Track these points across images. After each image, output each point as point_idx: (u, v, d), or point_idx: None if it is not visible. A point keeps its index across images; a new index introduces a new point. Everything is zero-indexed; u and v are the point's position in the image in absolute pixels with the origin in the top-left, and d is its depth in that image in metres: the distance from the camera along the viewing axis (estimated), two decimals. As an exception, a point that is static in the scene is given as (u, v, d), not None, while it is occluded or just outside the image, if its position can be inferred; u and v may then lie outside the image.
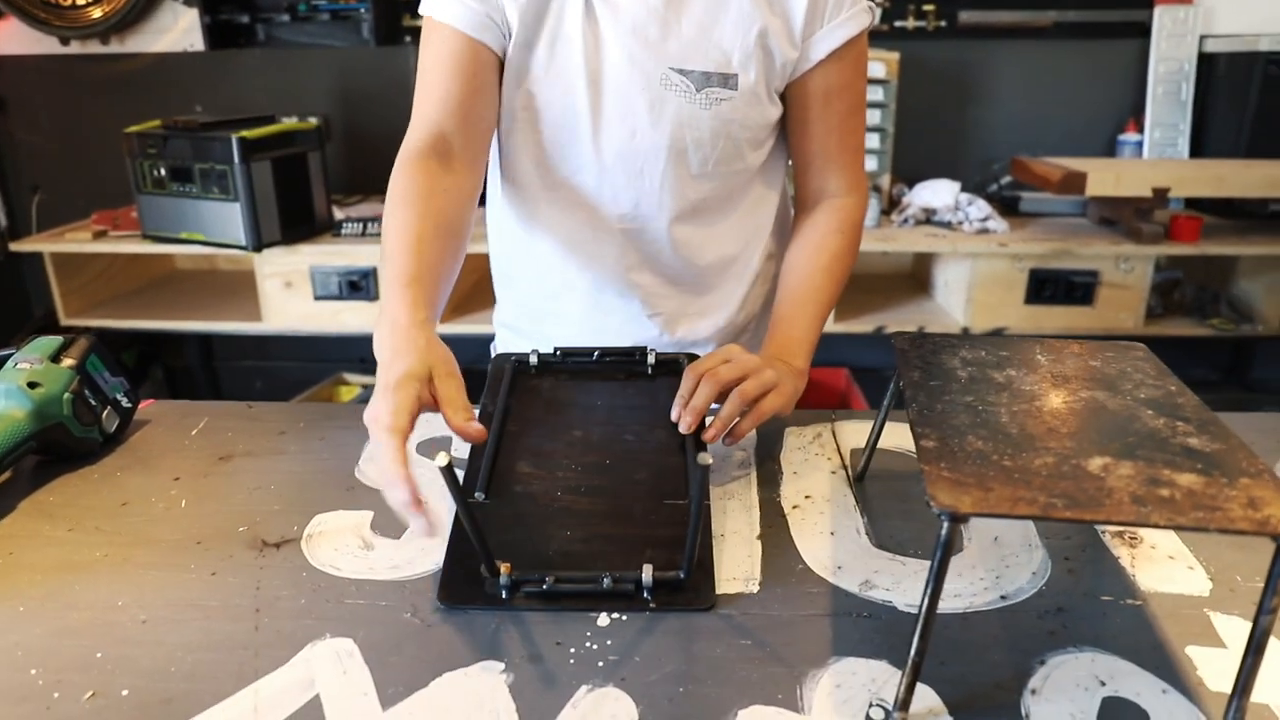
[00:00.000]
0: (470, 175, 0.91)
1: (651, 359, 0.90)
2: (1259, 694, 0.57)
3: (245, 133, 1.98)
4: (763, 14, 0.90)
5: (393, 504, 0.63)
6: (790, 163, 1.04)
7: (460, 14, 0.88)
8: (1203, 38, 2.41)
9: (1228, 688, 0.56)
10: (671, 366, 0.90)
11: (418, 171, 0.86)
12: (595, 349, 0.92)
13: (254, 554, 0.74)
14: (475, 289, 2.49)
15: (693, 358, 0.89)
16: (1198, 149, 2.48)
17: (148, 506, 0.81)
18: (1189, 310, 2.29)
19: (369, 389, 2.63)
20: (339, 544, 0.75)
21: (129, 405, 0.96)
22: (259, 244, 2.07)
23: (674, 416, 0.80)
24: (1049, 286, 2.14)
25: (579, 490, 0.76)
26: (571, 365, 0.92)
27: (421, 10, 0.94)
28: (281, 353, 2.91)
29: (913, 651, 0.53)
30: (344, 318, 2.22)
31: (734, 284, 1.06)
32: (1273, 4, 2.38)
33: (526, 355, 0.91)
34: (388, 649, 0.62)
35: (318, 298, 2.19)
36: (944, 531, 0.51)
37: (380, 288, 0.82)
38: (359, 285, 2.16)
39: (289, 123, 2.15)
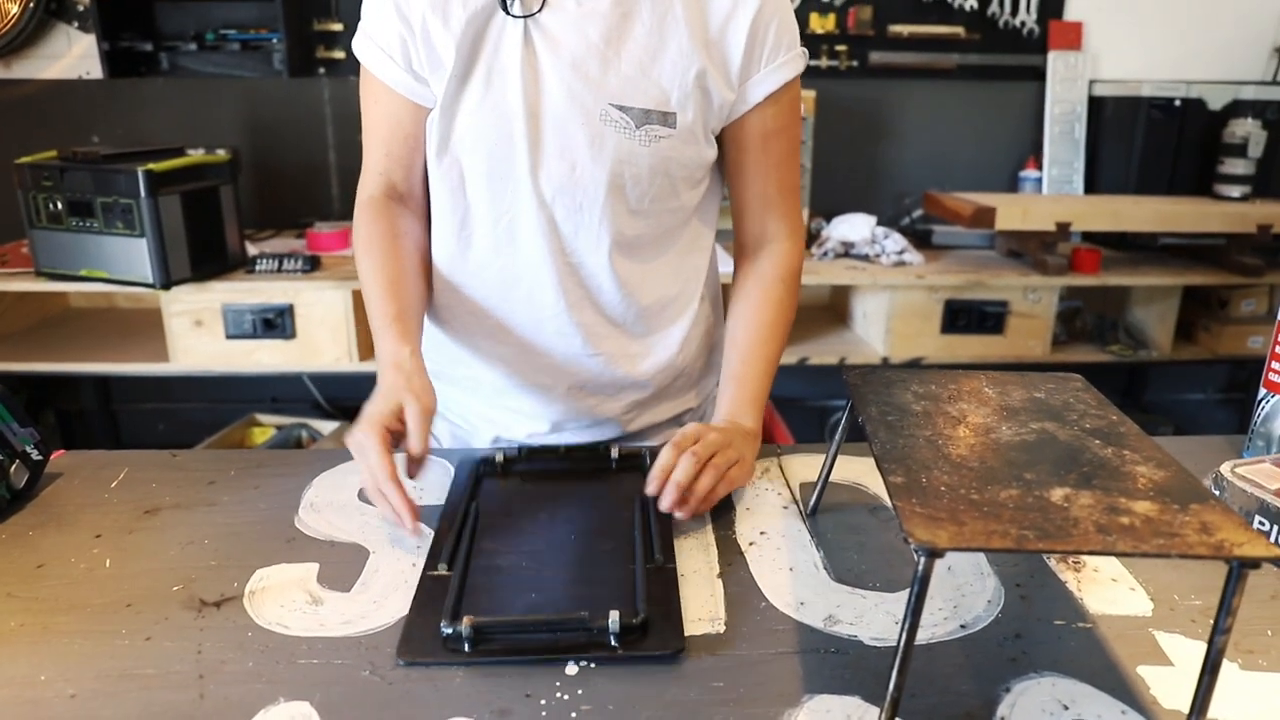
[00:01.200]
0: (423, 216, 1.01)
1: (615, 453, 0.90)
2: (1213, 710, 0.59)
3: (152, 165, 1.89)
4: (701, 55, 0.90)
5: (390, 501, 0.77)
6: (727, 205, 1.04)
7: (395, 77, 0.92)
8: (1092, 82, 2.56)
9: (1180, 705, 0.59)
10: (634, 461, 0.89)
11: (379, 216, 0.95)
12: (561, 445, 0.92)
13: (192, 615, 0.69)
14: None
15: (654, 453, 0.88)
16: (1091, 185, 2.63)
17: (67, 568, 0.76)
18: (1090, 337, 2.42)
19: (283, 429, 2.54)
20: (285, 600, 0.71)
21: (40, 458, 0.89)
22: (168, 281, 1.97)
23: (652, 490, 0.80)
24: (963, 316, 2.23)
25: (544, 560, 0.75)
26: (537, 463, 0.91)
27: (356, 52, 0.94)
28: (186, 394, 2.78)
29: (891, 687, 0.53)
30: (258, 356, 2.14)
31: (673, 325, 1.05)
32: (1151, 53, 2.57)
33: (492, 454, 0.91)
34: (348, 711, 0.59)
35: (230, 336, 2.10)
36: (920, 567, 0.51)
37: (371, 327, 0.91)
38: (274, 323, 2.08)
39: (198, 155, 2.07)
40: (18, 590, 0.72)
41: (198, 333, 2.11)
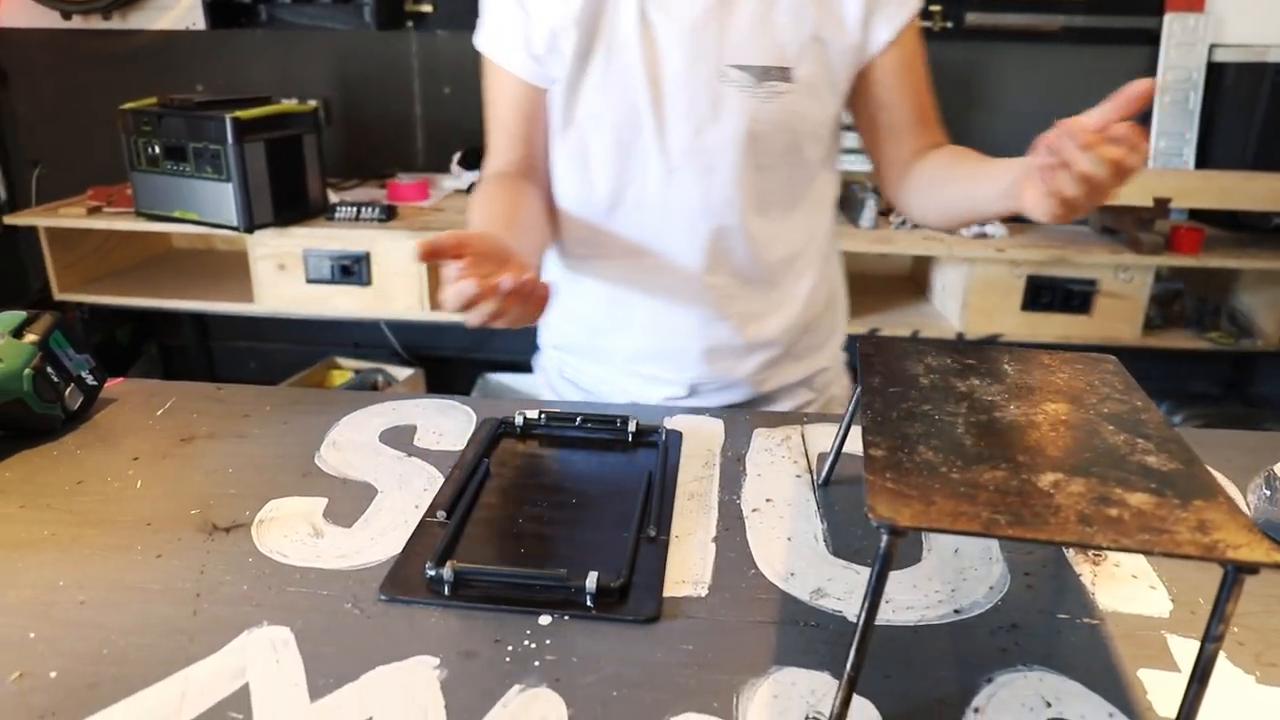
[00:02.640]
0: (547, 191, 1.02)
1: (633, 426, 0.89)
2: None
3: (239, 113, 1.96)
4: (814, 7, 0.92)
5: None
6: (880, 144, 1.04)
7: (516, 62, 0.96)
8: (1212, 47, 2.37)
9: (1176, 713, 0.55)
10: (650, 436, 0.89)
11: (500, 182, 0.98)
12: (578, 414, 0.91)
13: (203, 538, 0.73)
14: (470, 277, 2.47)
15: (675, 435, 0.89)
16: (1204, 159, 2.45)
17: (103, 485, 0.80)
18: (1188, 322, 2.27)
19: (360, 374, 2.63)
20: (289, 530, 0.74)
21: (94, 383, 0.95)
22: (251, 225, 2.05)
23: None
24: (1046, 294, 2.12)
25: (541, 520, 0.76)
26: (555, 429, 0.91)
27: (478, 46, 0.99)
28: (275, 335, 2.91)
29: (848, 665, 0.52)
30: (336, 302, 2.21)
31: (799, 279, 1.05)
32: (1284, 14, 2.35)
33: (513, 416, 0.91)
34: (324, 639, 0.61)
35: (310, 281, 2.18)
36: (883, 544, 0.49)
37: None
38: (351, 270, 2.15)
39: (285, 104, 2.13)
40: (56, 503, 0.77)
41: (280, 276, 2.20)
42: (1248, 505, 0.80)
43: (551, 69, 0.94)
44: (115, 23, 2.61)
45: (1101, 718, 0.56)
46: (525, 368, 2.84)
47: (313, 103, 2.26)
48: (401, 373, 2.63)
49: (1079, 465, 0.55)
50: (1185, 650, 0.62)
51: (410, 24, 2.58)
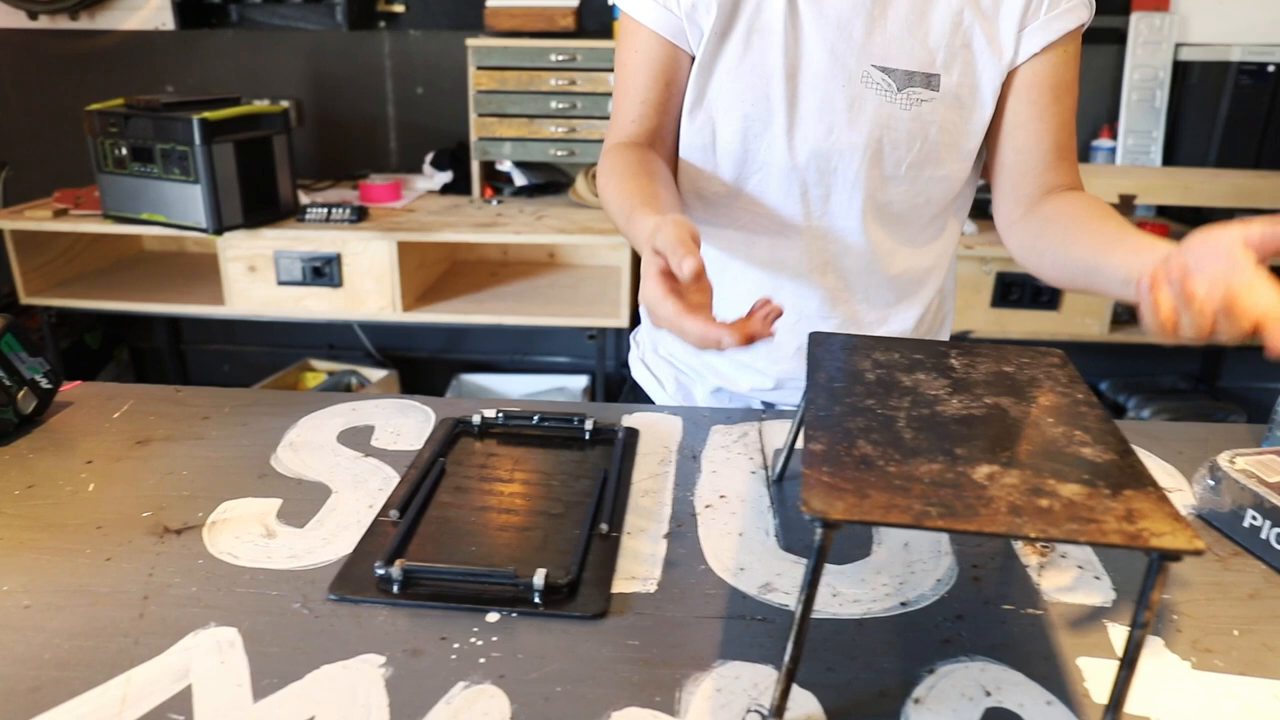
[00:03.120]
0: (672, 161, 0.97)
1: (589, 425, 0.89)
2: (1141, 706, 0.56)
3: (207, 114, 1.95)
4: (971, 12, 0.87)
5: (697, 336, 0.64)
6: (1004, 169, 0.94)
7: (658, 17, 0.90)
8: (1177, 45, 2.41)
9: (1112, 700, 0.56)
10: (607, 435, 0.89)
11: (629, 150, 0.91)
12: (535, 412, 0.91)
13: (153, 540, 0.72)
14: (442, 280, 2.47)
15: (632, 433, 0.89)
16: (1170, 157, 2.48)
17: (54, 489, 0.80)
18: (1155, 318, 2.29)
19: (334, 376, 2.62)
20: (241, 532, 0.73)
21: (49, 386, 0.94)
22: (219, 227, 2.04)
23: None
24: (1015, 290, 2.14)
25: (493, 518, 0.76)
26: (513, 428, 0.91)
27: (621, 6, 0.94)
28: (249, 338, 2.89)
29: (786, 658, 0.52)
30: (307, 303, 2.20)
31: (915, 299, 1.02)
32: (1245, 13, 2.38)
33: (470, 415, 0.91)
34: (270, 639, 0.61)
35: (281, 282, 2.17)
36: (817, 537, 0.50)
37: (624, 234, 0.83)
38: (322, 271, 2.14)
39: (255, 105, 2.12)
40: (5, 507, 0.77)
41: (251, 278, 2.19)
42: (1194, 496, 0.81)
43: (691, 36, 0.90)
44: (83, 23, 2.59)
45: (1039, 705, 0.56)
46: (499, 368, 2.85)
47: (284, 103, 2.25)
48: (375, 374, 2.62)
49: (1015, 457, 0.56)
50: (1124, 637, 0.63)
51: (382, 24, 2.57)
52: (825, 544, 0.50)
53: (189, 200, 2.01)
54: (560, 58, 2.30)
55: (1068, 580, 0.70)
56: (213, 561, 0.69)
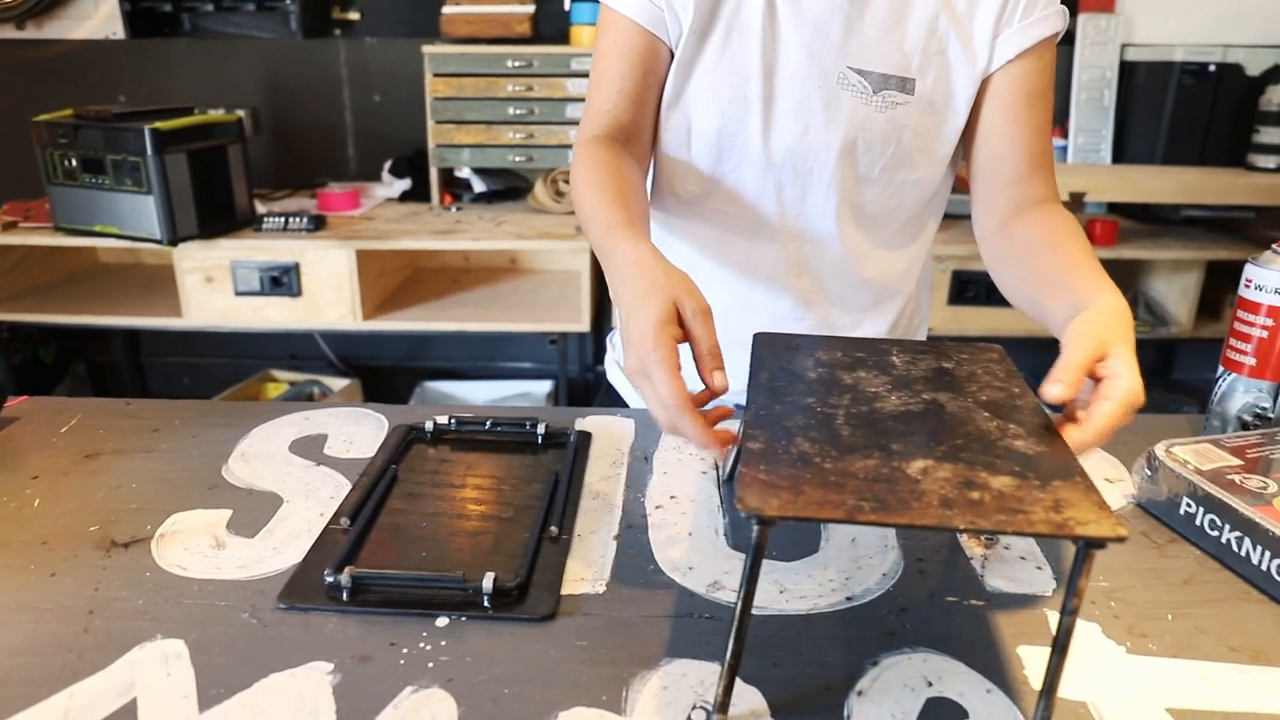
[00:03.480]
0: (644, 161, 0.95)
1: (542, 429, 0.89)
2: (1076, 691, 0.58)
3: (159, 124, 1.93)
4: (947, 18, 0.88)
5: (689, 435, 0.64)
6: (979, 178, 0.95)
7: (638, 7, 0.89)
8: (1123, 46, 2.46)
9: (1050, 686, 0.57)
10: (559, 439, 0.89)
11: (602, 147, 0.88)
12: (488, 418, 0.91)
13: (100, 554, 0.72)
14: (403, 288, 2.46)
15: (584, 436, 0.89)
16: (1120, 154, 2.54)
17: (-2, 506, 0.79)
18: (1108, 313, 2.34)
19: (296, 386, 2.59)
20: (190, 544, 0.73)
21: (-6, 402, 0.93)
22: (174, 238, 2.02)
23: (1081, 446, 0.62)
24: (971, 288, 2.18)
25: (445, 523, 0.76)
26: (466, 434, 0.91)
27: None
28: (210, 349, 2.86)
29: (727, 654, 0.53)
30: (266, 313, 2.18)
31: (889, 303, 1.02)
32: (1187, 15, 2.45)
33: (423, 422, 0.91)
34: (218, 650, 0.60)
35: (239, 293, 2.15)
36: (754, 534, 0.51)
37: (595, 245, 0.80)
38: (281, 281, 2.12)
39: (210, 114, 2.10)
40: (-52, 526, 0.76)
41: (208, 289, 2.16)
42: (1134, 485, 0.83)
43: (671, 30, 0.90)
44: (30, 32, 2.55)
45: (979, 694, 0.58)
46: (463, 375, 2.84)
47: (239, 112, 2.23)
48: (338, 383, 2.60)
49: (950, 451, 0.57)
50: (1063, 626, 0.65)
51: (338, 32, 2.56)
52: (762, 540, 0.51)
53: (142, 211, 1.99)
54: (517, 64, 2.30)
55: (1011, 571, 0.71)
56: (161, 574, 0.69)
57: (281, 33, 2.51)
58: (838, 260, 0.98)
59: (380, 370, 2.83)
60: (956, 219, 2.40)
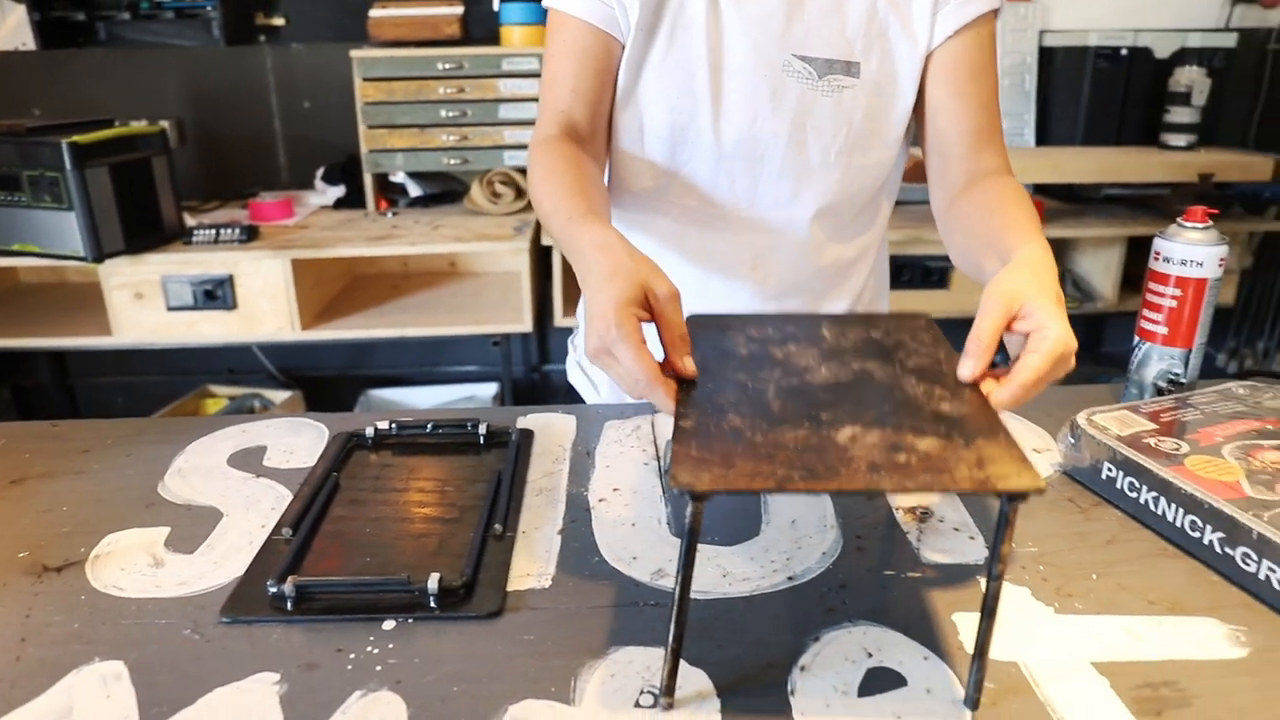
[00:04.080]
0: (600, 159, 0.96)
1: (484, 429, 0.89)
2: (1008, 652, 0.60)
3: (78, 137, 1.87)
4: (885, 1, 0.90)
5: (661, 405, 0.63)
6: (931, 156, 0.97)
7: (588, 7, 0.90)
8: (1041, 32, 2.54)
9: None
10: (501, 438, 0.89)
11: (558, 145, 0.89)
12: (429, 420, 0.91)
13: (30, 580, 0.70)
14: (342, 296, 2.43)
15: (526, 434, 0.89)
16: (1043, 137, 2.61)
17: (-80, 537, 0.76)
18: (1037, 291, 2.41)
19: (235, 400, 2.54)
20: (126, 563, 0.72)
21: (-88, 430, 0.90)
22: (99, 254, 1.96)
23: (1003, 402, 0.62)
24: (906, 271, 2.22)
25: (388, 527, 0.76)
26: (407, 438, 0.91)
27: (546, 3, 0.94)
28: (143, 367, 2.78)
29: (670, 638, 0.54)
30: (201, 328, 2.14)
31: (843, 290, 1.03)
32: (1102, 2, 2.53)
33: (363, 428, 0.90)
34: (160, 668, 0.60)
35: (171, 308, 2.10)
36: (689, 511, 0.52)
37: (558, 238, 0.79)
38: (215, 294, 2.08)
39: (131, 126, 2.05)
40: None
41: (139, 305, 2.11)
42: (1059, 454, 0.87)
43: (622, 24, 0.91)
44: (-65, 47, 2.45)
45: (917, 661, 0.60)
46: (407, 382, 2.81)
47: (162, 123, 2.18)
48: (279, 395, 2.56)
49: (878, 418, 0.58)
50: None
51: (262, 38, 2.51)
52: (696, 517, 0.52)
53: (64, 228, 1.93)
54: (448, 66, 2.29)
55: (945, 542, 0.74)
56: (96, 596, 0.68)
57: (203, 40, 2.45)
58: (794, 248, 0.99)
59: (323, 380, 2.79)
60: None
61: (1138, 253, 2.34)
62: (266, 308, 2.12)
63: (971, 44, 0.92)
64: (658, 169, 0.97)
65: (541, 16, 2.32)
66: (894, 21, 0.91)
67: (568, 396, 1.21)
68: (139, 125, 2.15)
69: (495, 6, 2.47)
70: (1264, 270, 2.60)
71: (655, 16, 0.90)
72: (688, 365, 0.65)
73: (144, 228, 2.06)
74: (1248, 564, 0.66)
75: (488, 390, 2.75)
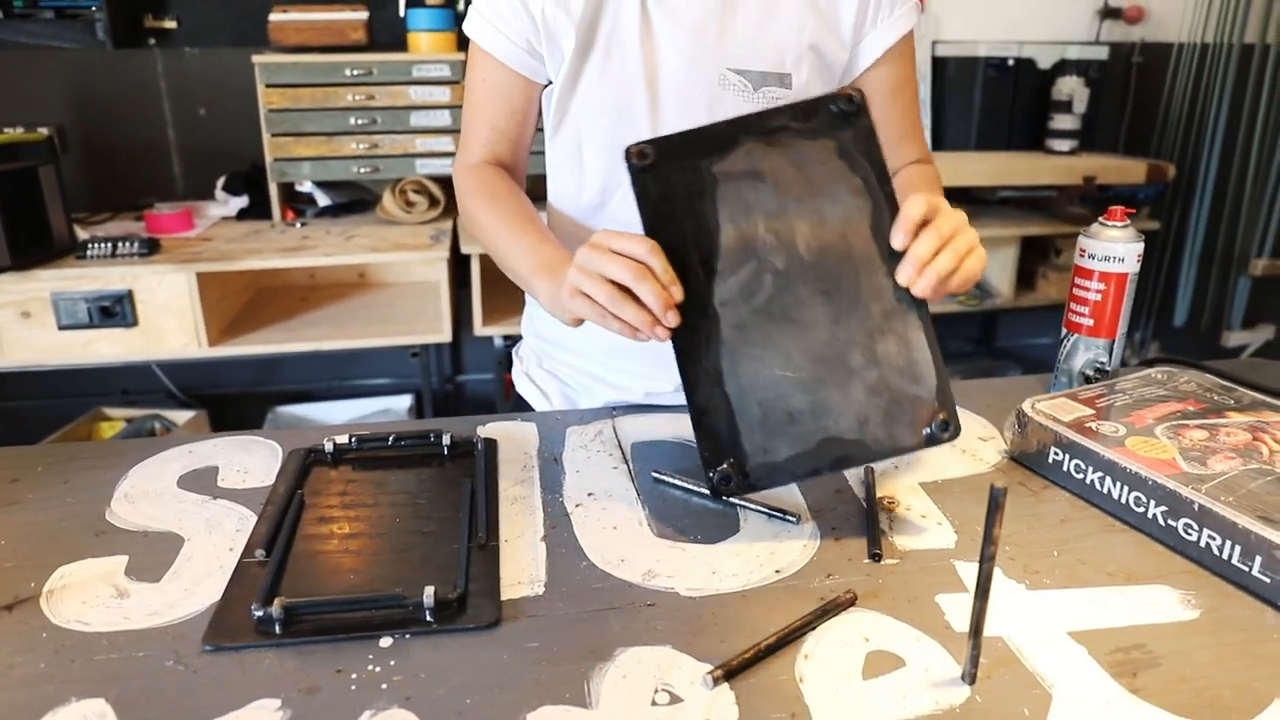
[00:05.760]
0: (523, 182, 1.02)
1: (447, 440, 0.88)
2: (991, 628, 0.63)
3: (-44, 146, 1.75)
4: (811, 15, 0.92)
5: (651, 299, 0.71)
6: None
7: (503, 47, 0.93)
8: (935, 43, 2.66)
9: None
10: (466, 448, 0.88)
11: (487, 171, 0.97)
12: (390, 433, 0.90)
13: (-20, 621, 0.65)
14: (246, 310, 2.34)
15: (490, 444, 0.88)
16: (938, 142, 2.74)
17: None
18: (939, 290, 2.53)
19: (134, 423, 2.41)
20: (87, 596, 0.68)
21: None
22: (-16, 271, 1.83)
23: (905, 279, 0.75)
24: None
25: (366, 543, 0.74)
26: (368, 451, 0.89)
27: (466, 30, 0.94)
28: (25, 391, 2.60)
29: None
30: (98, 347, 2.02)
31: None
32: (987, 14, 2.68)
33: (322, 443, 0.88)
34: (147, 703, 0.57)
35: (63, 327, 1.97)
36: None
37: (515, 264, 0.90)
38: (112, 311, 1.96)
39: (11, 133, 1.92)
40: None
41: (27, 325, 1.97)
42: (1006, 441, 0.92)
43: (549, 67, 0.93)
44: None
45: (911, 642, 0.62)
46: (316, 397, 2.72)
47: (44, 130, 2.04)
48: (181, 416, 2.44)
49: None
50: (970, 572, 0.71)
51: (152, 41, 2.39)
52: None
53: (-58, 244, 1.79)
54: (355, 72, 2.23)
55: (915, 529, 0.77)
56: (59, 632, 0.64)
57: (87, 43, 2.31)
58: None
59: (227, 398, 2.67)
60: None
61: (1030, 251, 2.48)
62: (171, 324, 2.02)
63: (896, 64, 0.98)
64: (596, 187, 0.98)
65: (449, 23, 2.31)
66: (822, 35, 0.94)
67: (484, 407, 1.21)
68: (17, 133, 2.02)
69: (401, 13, 2.42)
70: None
71: (589, 38, 0.91)
72: (671, 319, 0.72)
73: (31, 242, 1.93)
74: (1189, 534, 0.72)
75: (402, 403, 2.69)
